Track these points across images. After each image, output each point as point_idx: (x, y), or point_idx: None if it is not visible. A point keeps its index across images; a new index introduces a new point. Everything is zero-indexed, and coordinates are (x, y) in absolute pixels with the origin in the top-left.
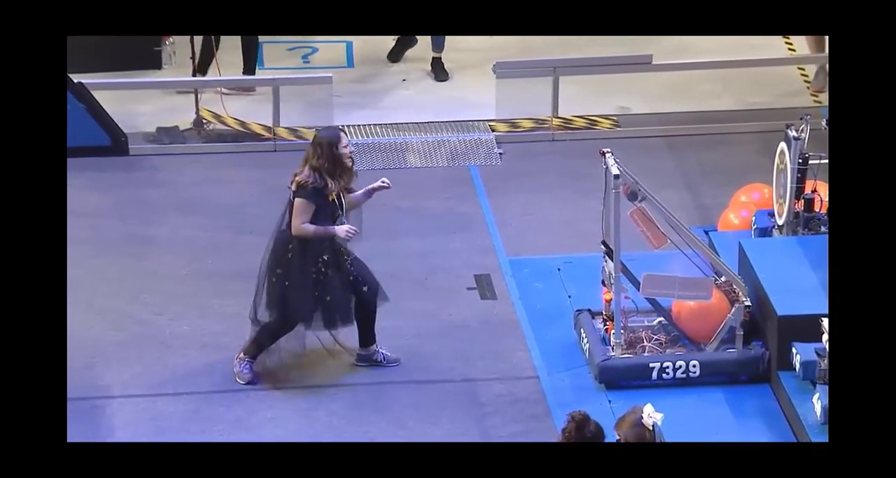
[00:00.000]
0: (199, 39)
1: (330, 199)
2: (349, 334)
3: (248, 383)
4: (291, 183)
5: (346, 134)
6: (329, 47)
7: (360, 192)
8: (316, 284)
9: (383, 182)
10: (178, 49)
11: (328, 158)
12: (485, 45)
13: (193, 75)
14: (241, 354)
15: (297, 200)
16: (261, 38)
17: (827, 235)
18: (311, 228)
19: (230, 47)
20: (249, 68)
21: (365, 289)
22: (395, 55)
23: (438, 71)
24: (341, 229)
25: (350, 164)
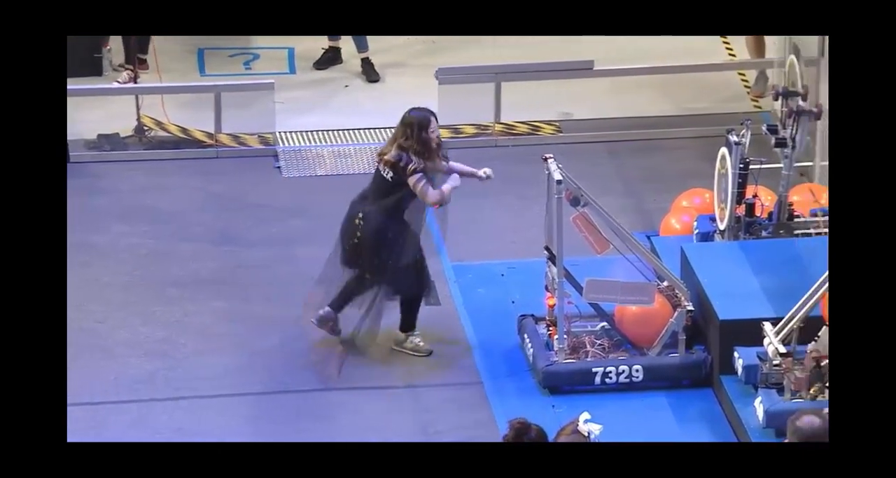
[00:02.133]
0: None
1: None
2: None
3: (430, 354)
4: (380, 161)
5: (435, 118)
6: (271, 54)
7: (461, 168)
8: (389, 249)
9: (486, 173)
10: (115, 56)
11: (417, 140)
12: (407, 43)
13: (133, 72)
14: (402, 334)
15: (410, 181)
16: (202, 45)
17: (768, 240)
18: (443, 188)
19: (168, 51)
20: (143, 48)
21: (425, 272)
22: (321, 64)
23: (369, 71)
24: (454, 179)
25: (436, 147)
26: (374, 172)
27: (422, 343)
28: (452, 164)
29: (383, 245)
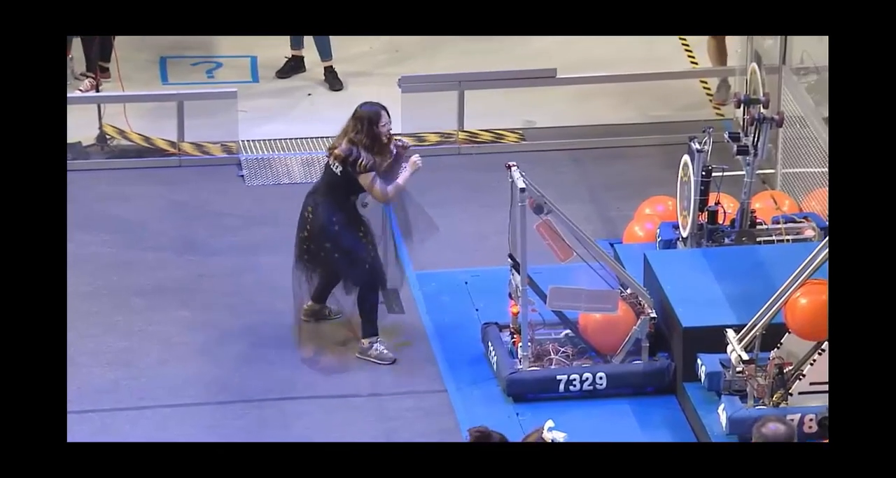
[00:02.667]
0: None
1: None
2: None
3: (394, 362)
4: (330, 156)
5: (387, 113)
6: (234, 62)
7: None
8: (331, 238)
9: (415, 162)
10: (77, 65)
11: (367, 134)
12: (370, 52)
13: (95, 81)
14: (365, 341)
15: (360, 177)
16: (163, 54)
17: (730, 247)
18: (396, 184)
19: (130, 59)
20: (105, 56)
21: (375, 266)
22: (283, 73)
23: (332, 80)
24: (413, 162)
25: (386, 142)
26: (324, 165)
27: (386, 351)
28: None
29: (329, 238)
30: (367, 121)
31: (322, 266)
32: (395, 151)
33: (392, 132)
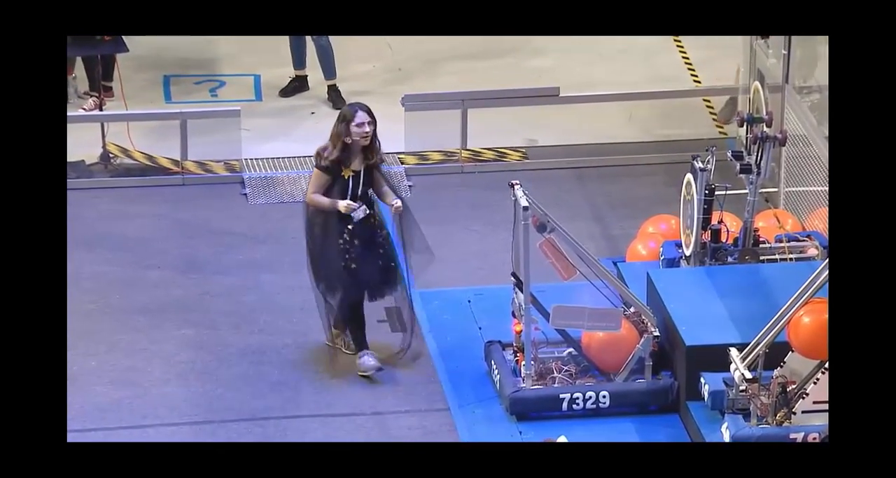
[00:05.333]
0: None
1: (346, 176)
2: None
3: (377, 369)
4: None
5: (366, 112)
6: (237, 81)
7: (388, 192)
8: (342, 253)
9: (396, 203)
10: (81, 84)
11: (337, 131)
12: (373, 71)
13: (99, 100)
14: (361, 356)
15: (314, 169)
16: (167, 73)
17: (734, 266)
18: (317, 198)
19: (134, 78)
20: (108, 75)
21: (391, 265)
22: (287, 92)
23: (336, 99)
24: (342, 204)
25: (362, 143)
26: None
27: (370, 361)
28: (385, 189)
29: (334, 249)
30: (342, 117)
31: (329, 282)
32: (373, 159)
33: (368, 132)
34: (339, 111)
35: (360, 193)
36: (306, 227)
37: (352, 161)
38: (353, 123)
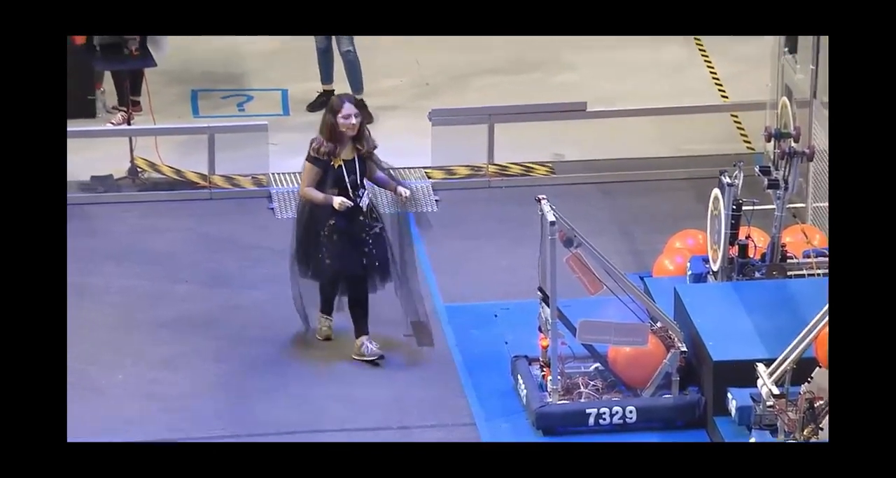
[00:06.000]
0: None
1: (336, 164)
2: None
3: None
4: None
5: (352, 103)
6: (265, 96)
7: (390, 181)
8: (319, 246)
9: (405, 192)
10: (109, 98)
11: (327, 123)
12: (401, 85)
13: (127, 114)
14: (363, 342)
15: (305, 162)
16: (195, 87)
17: (761, 281)
18: (311, 193)
19: (162, 93)
20: (136, 90)
21: (375, 264)
22: (314, 106)
23: (363, 113)
24: (336, 200)
25: (349, 134)
26: None
27: (374, 346)
28: (379, 174)
29: (314, 239)
30: (329, 109)
31: (312, 270)
32: (364, 148)
33: (354, 124)
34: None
35: (353, 181)
36: (297, 215)
37: (342, 151)
38: (340, 115)
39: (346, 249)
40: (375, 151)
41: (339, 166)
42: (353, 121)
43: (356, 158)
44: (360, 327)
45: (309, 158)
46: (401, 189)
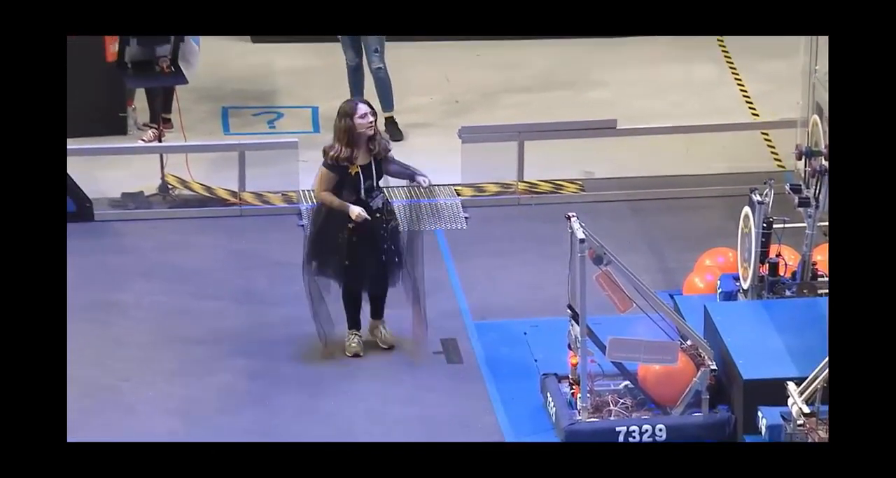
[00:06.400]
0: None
1: (353, 172)
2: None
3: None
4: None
5: (367, 105)
6: (295, 113)
7: (406, 170)
8: (338, 248)
9: (424, 181)
10: (140, 115)
11: (342, 128)
12: (431, 103)
13: (158, 131)
14: (348, 337)
15: (321, 167)
16: (225, 104)
17: (791, 299)
18: (329, 197)
19: (192, 110)
20: (167, 107)
21: (395, 260)
22: None
23: (393, 130)
24: (354, 211)
25: (368, 133)
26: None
27: (356, 343)
28: (393, 166)
29: (335, 242)
30: (344, 113)
31: (336, 275)
32: (376, 149)
33: (372, 122)
34: (340, 105)
35: (369, 186)
36: (312, 217)
37: (358, 155)
38: (356, 116)
39: (366, 250)
40: (390, 154)
41: (357, 173)
42: (371, 119)
43: (371, 162)
44: (377, 312)
45: (326, 164)
46: (419, 178)
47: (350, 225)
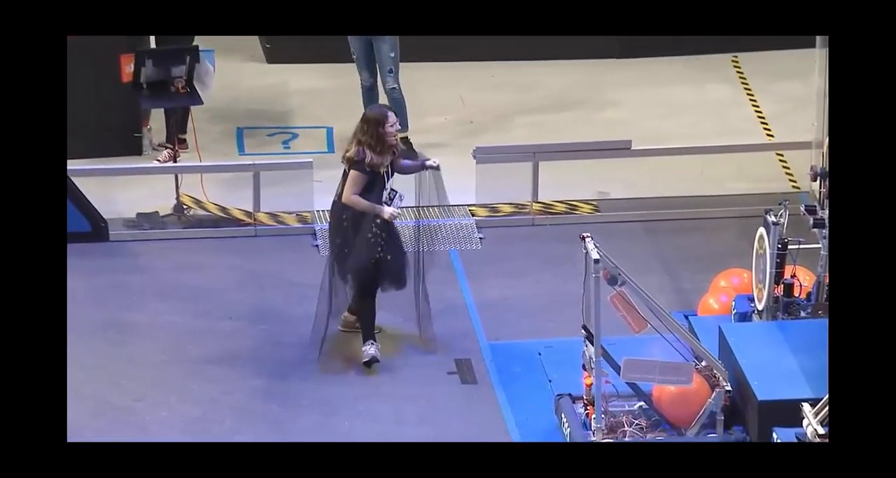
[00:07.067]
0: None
1: (380, 173)
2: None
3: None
4: (343, 158)
5: (394, 114)
6: (310, 133)
7: (414, 162)
8: (374, 245)
9: (434, 163)
10: (156, 135)
11: (374, 135)
12: (445, 123)
13: (173, 152)
14: (365, 345)
15: (352, 172)
16: (240, 125)
17: (806, 320)
18: (361, 201)
19: (207, 130)
20: (182, 128)
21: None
22: None
23: (408, 150)
24: (387, 211)
25: (394, 142)
26: (342, 173)
27: (372, 351)
28: (404, 161)
29: (367, 241)
30: (374, 122)
31: (362, 272)
32: (398, 153)
33: (398, 130)
34: (365, 113)
35: (390, 188)
36: (333, 225)
37: (387, 160)
38: (387, 125)
39: (395, 242)
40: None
41: (383, 173)
42: (398, 126)
43: (389, 165)
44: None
45: (358, 168)
46: (428, 163)
47: (377, 220)
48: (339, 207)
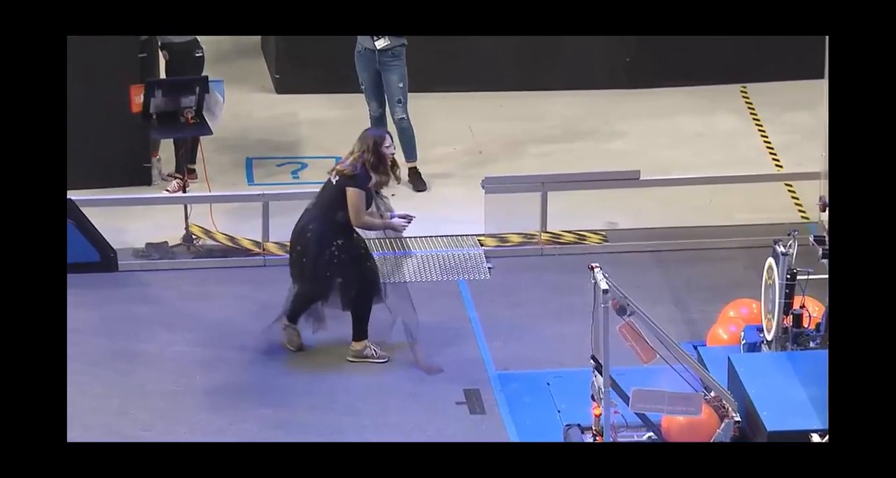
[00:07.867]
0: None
1: (375, 191)
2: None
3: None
4: (332, 172)
5: (391, 136)
6: (319, 163)
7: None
8: (328, 265)
9: (406, 221)
10: (165, 166)
11: (374, 153)
12: (454, 153)
13: (183, 182)
14: (357, 345)
15: (350, 190)
16: (250, 155)
17: (816, 351)
18: (374, 221)
19: (216, 161)
20: (192, 158)
21: (370, 278)
22: None
23: (416, 181)
24: (400, 222)
25: (390, 163)
26: (324, 183)
27: (379, 349)
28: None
29: (330, 263)
30: (374, 141)
31: (314, 285)
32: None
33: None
34: (364, 133)
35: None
36: (295, 235)
37: (379, 180)
38: (384, 146)
39: (352, 266)
40: None
41: (377, 192)
42: (393, 149)
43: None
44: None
45: (353, 184)
46: (404, 221)
47: (339, 241)
48: (309, 216)
